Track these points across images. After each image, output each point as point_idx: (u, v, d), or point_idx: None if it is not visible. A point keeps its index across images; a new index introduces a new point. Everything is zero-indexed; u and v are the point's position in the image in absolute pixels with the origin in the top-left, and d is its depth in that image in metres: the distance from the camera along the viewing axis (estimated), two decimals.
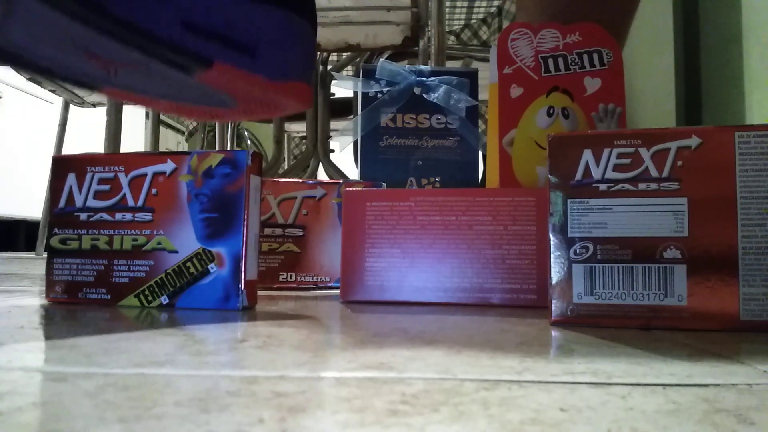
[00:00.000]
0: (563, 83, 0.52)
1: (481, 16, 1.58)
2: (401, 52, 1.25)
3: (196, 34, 0.29)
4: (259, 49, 0.31)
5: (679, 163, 0.33)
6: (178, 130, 3.09)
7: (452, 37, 1.55)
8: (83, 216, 0.42)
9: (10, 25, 0.27)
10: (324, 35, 1.12)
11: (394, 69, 0.61)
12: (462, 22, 1.59)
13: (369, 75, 0.61)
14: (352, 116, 1.43)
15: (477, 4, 1.58)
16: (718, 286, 0.32)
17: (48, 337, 0.29)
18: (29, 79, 1.47)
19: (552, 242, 0.34)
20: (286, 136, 1.74)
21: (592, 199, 0.34)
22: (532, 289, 0.41)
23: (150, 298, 0.40)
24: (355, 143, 0.64)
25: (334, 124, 1.43)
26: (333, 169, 1.34)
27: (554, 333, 0.31)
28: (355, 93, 0.69)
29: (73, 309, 0.39)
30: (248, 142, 2.78)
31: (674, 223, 0.33)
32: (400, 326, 0.33)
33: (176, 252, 0.40)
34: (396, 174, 0.61)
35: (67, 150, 1.65)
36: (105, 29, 0.28)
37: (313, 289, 0.52)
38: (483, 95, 0.62)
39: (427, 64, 1.10)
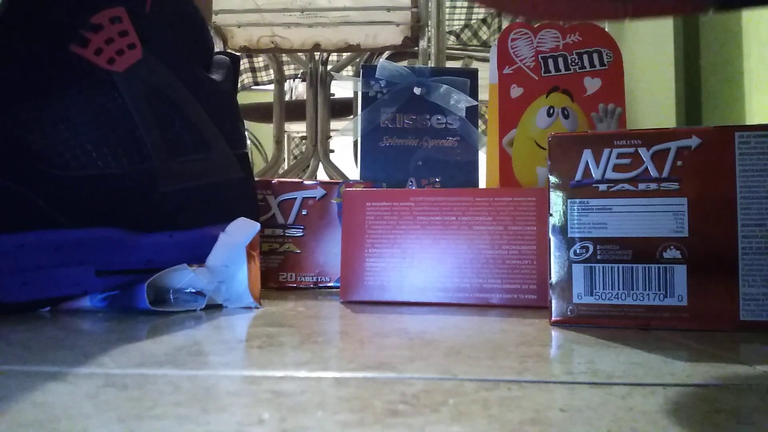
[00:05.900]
0: (563, 83, 0.52)
1: (481, 16, 1.58)
2: (401, 52, 1.25)
3: None
4: None
5: (679, 163, 0.33)
6: None
7: (452, 37, 1.55)
8: None
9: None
10: (324, 35, 1.12)
11: (394, 69, 0.61)
12: (462, 22, 1.59)
13: (369, 75, 0.61)
14: (352, 116, 1.43)
15: (477, 4, 1.58)
16: (718, 286, 0.32)
17: (46, 336, 0.29)
18: None
19: (552, 242, 0.34)
20: (286, 136, 1.74)
21: (592, 199, 0.34)
22: (532, 289, 0.41)
23: None
24: (355, 143, 0.64)
25: (334, 124, 1.43)
26: (333, 169, 1.34)
27: (554, 333, 0.31)
28: (355, 93, 0.69)
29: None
30: (248, 141, 2.78)
31: (674, 223, 0.33)
32: (400, 326, 0.33)
33: None
34: (396, 174, 0.61)
35: None
36: None
37: (313, 289, 0.52)
38: (483, 95, 0.62)
39: (427, 64, 1.10)
